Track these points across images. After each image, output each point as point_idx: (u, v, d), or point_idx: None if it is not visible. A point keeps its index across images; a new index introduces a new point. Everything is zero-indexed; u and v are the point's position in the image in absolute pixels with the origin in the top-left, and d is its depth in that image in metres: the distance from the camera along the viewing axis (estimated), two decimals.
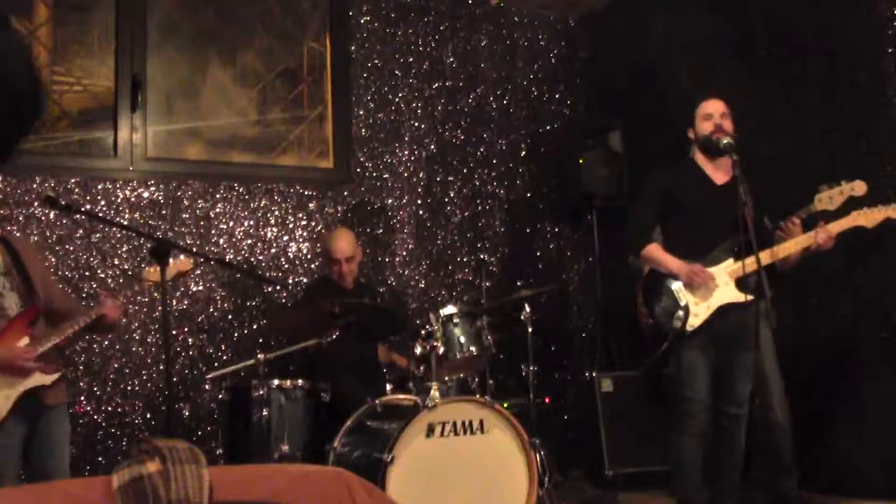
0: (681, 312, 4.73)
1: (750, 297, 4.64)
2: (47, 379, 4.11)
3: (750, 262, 4.51)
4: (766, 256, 4.58)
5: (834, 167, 5.53)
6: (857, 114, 5.54)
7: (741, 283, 4.70)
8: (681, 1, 6.74)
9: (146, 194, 6.13)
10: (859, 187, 4.68)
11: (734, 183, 4.70)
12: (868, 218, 4.67)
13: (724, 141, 4.75)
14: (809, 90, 5.81)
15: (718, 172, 4.95)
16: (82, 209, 5.67)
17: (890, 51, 5.37)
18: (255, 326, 6.32)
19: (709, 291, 4.72)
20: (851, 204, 4.71)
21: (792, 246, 4.70)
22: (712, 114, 4.92)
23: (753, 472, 5.38)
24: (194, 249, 6.04)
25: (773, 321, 5.29)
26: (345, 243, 5.84)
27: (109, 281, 5.92)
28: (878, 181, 4.76)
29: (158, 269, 4.28)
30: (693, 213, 4.88)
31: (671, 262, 4.82)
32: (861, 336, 5.47)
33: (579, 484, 6.45)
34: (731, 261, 4.73)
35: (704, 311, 4.72)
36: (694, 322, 4.71)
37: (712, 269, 4.74)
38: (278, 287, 6.41)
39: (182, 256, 4.65)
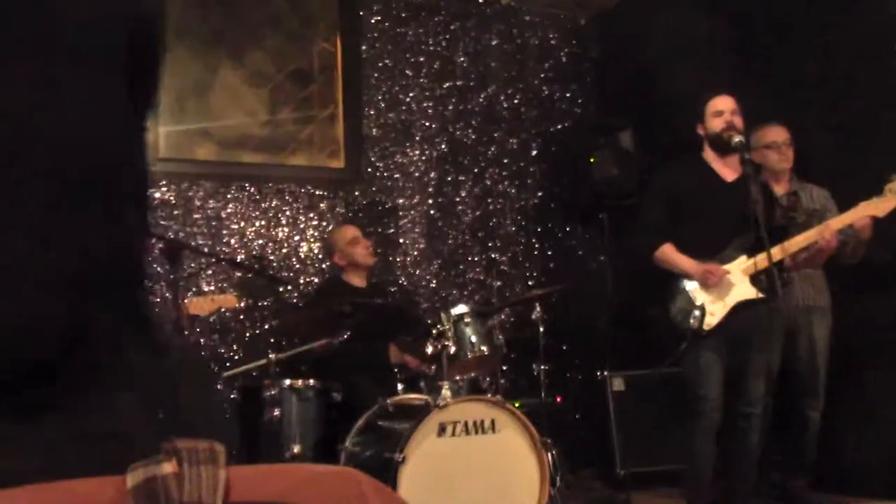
0: (697, 312, 4.72)
1: (763, 294, 4.64)
2: None
3: (762, 259, 4.51)
4: (777, 253, 4.57)
5: (837, 166, 5.53)
6: (861, 112, 5.54)
7: (754, 280, 4.69)
8: (690, 0, 6.74)
9: (157, 195, 6.14)
10: None
11: (744, 179, 4.69)
12: (879, 207, 4.64)
13: (736, 139, 4.74)
14: (814, 89, 5.80)
15: (727, 169, 4.93)
16: None
17: None
18: (266, 326, 6.33)
19: (724, 290, 4.71)
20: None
21: (802, 240, 4.69)
22: (723, 111, 4.90)
23: (765, 472, 5.38)
24: (206, 249, 6.06)
25: (830, 320, 5.31)
26: (353, 226, 6.01)
27: None
28: (882, 180, 4.72)
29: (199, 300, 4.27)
30: (703, 211, 4.86)
31: (685, 262, 4.81)
32: (868, 336, 5.47)
33: (591, 483, 6.45)
34: (743, 258, 4.72)
35: (720, 310, 4.70)
36: (711, 321, 4.70)
37: (725, 267, 4.73)
38: (289, 287, 6.42)
39: (228, 294, 4.60)
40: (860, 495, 5.17)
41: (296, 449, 4.76)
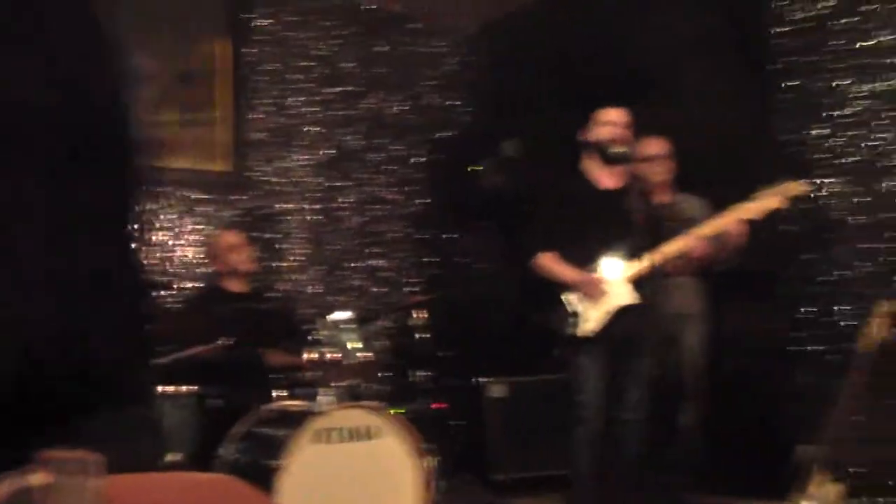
0: (574, 319, 4.79)
1: (640, 301, 4.73)
2: None
3: (640, 266, 4.61)
4: (654, 259, 4.66)
5: (717, 178, 5.67)
6: (740, 125, 5.71)
7: (633, 287, 4.78)
8: (579, 12, 6.84)
9: None
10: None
11: (625, 189, 4.79)
12: (751, 210, 4.78)
13: (616, 150, 4.85)
14: (696, 102, 5.93)
15: (610, 178, 5.01)
16: None
17: (776, 65, 5.55)
18: None
19: (601, 297, 4.78)
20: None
21: (676, 247, 4.79)
22: (614, 122, 4.98)
23: (645, 476, 5.47)
24: None
25: (703, 327, 5.44)
26: (234, 233, 5.96)
27: None
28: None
29: None
30: (584, 219, 4.94)
31: (564, 270, 4.87)
32: (743, 341, 5.63)
33: (470, 489, 6.47)
34: (622, 265, 4.80)
35: (597, 317, 4.78)
36: (587, 328, 4.78)
37: (604, 275, 4.81)
38: (167, 292, 6.31)
39: None
40: (738, 496, 5.30)
41: (172, 457, 4.68)
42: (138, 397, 1.30)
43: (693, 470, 5.45)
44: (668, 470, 5.52)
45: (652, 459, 5.47)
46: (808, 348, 5.34)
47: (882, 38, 5.08)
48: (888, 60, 5.05)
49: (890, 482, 4.92)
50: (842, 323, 5.17)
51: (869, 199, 5.09)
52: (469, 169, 7.14)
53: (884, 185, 5.02)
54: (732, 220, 4.82)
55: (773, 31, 5.56)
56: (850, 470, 5.00)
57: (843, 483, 4.63)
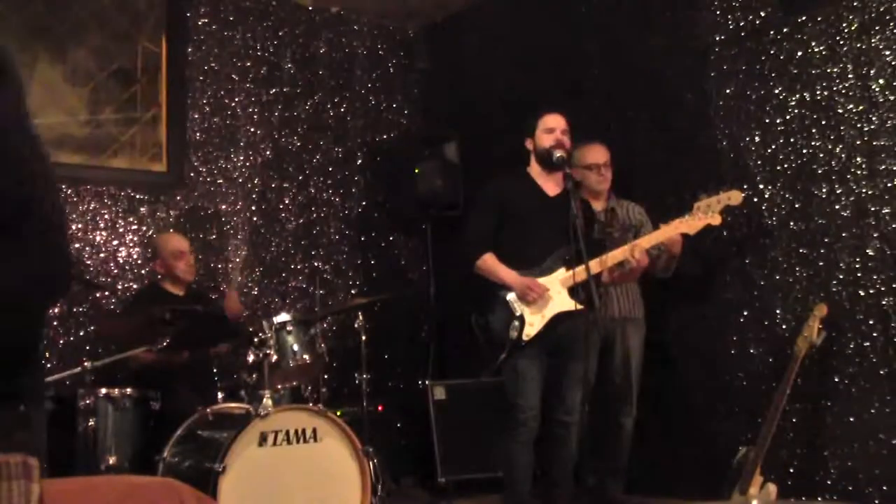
0: (516, 323, 4.80)
1: (581, 306, 4.76)
2: None
3: (580, 272, 4.63)
4: (595, 266, 4.69)
5: (655, 183, 5.75)
6: (678, 132, 5.78)
7: (573, 292, 4.80)
8: (519, 17, 6.88)
9: None
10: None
11: (565, 195, 4.82)
12: (690, 226, 4.84)
13: (557, 154, 4.88)
14: (636, 110, 6.01)
15: (551, 184, 5.05)
16: None
17: (713, 74, 5.62)
18: (81, 333, 6.12)
19: (543, 301, 4.80)
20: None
21: (616, 256, 4.84)
22: (554, 128, 5.00)
23: (582, 477, 5.52)
24: None
25: (643, 331, 5.50)
26: (182, 238, 5.92)
27: None
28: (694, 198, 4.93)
29: None
30: (525, 223, 4.97)
31: (506, 274, 4.89)
32: (680, 345, 5.70)
33: (412, 491, 6.49)
34: (562, 270, 4.83)
35: (539, 321, 4.80)
36: (529, 332, 4.79)
37: (545, 279, 4.83)
38: (107, 292, 6.24)
39: None
40: (672, 497, 5.35)
41: (112, 460, 4.63)
42: (12, 395, 1.28)
43: (633, 471, 5.52)
44: (607, 471, 5.57)
45: (591, 461, 5.52)
46: (749, 351, 5.41)
47: (814, 48, 5.16)
48: (820, 70, 5.12)
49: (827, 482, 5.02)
50: (782, 326, 5.24)
51: (805, 205, 5.16)
52: (416, 171, 7.14)
53: (820, 191, 5.09)
54: (671, 233, 4.89)
55: (711, 39, 5.63)
56: (790, 470, 5.13)
57: (778, 483, 4.73)
